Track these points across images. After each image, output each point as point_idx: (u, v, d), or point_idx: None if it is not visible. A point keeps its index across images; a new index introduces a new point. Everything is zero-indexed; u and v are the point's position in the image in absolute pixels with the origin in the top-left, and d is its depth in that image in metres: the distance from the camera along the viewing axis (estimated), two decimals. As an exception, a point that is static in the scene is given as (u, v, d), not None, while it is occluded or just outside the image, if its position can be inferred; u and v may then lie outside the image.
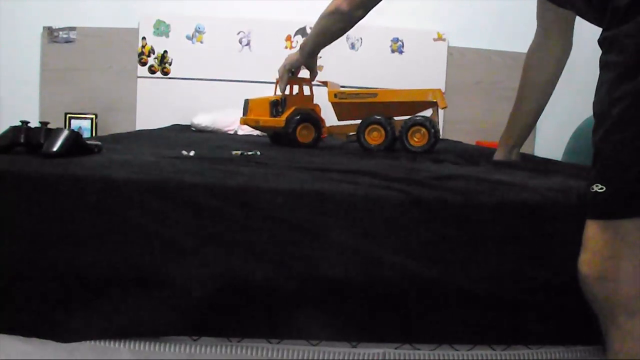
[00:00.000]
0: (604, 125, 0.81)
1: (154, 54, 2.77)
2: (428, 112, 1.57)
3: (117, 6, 2.73)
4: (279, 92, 1.57)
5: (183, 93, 2.76)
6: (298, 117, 1.54)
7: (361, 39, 2.81)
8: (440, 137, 2.61)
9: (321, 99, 1.62)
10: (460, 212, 0.83)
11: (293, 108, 1.55)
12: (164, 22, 2.76)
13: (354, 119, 1.63)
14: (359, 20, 1.43)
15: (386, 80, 2.73)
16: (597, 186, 0.79)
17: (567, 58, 1.31)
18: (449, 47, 2.87)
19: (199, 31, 2.78)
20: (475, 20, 2.85)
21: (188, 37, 2.78)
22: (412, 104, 1.58)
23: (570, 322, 0.85)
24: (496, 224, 0.84)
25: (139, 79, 2.76)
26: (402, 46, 2.85)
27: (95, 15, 2.73)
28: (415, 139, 1.53)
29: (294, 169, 0.98)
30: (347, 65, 2.74)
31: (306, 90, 1.62)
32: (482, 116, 2.85)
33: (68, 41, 2.72)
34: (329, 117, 1.64)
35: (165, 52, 2.77)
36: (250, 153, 1.24)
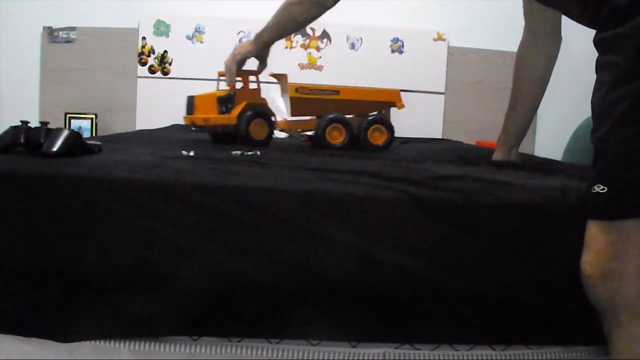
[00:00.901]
0: (604, 125, 0.81)
1: (154, 54, 2.77)
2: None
3: (117, 6, 2.73)
4: (225, 87, 1.49)
5: (183, 93, 2.74)
6: (250, 113, 1.45)
7: (361, 39, 2.81)
8: (440, 138, 2.62)
9: (264, 93, 1.57)
10: (460, 212, 0.83)
11: (244, 103, 1.47)
12: (164, 22, 2.76)
13: (310, 115, 1.61)
14: (328, 10, 1.37)
15: (386, 80, 2.72)
16: (598, 187, 0.79)
17: (557, 53, 1.31)
18: (449, 47, 2.87)
19: (199, 31, 2.78)
20: (475, 20, 2.85)
21: (188, 37, 2.78)
22: (372, 104, 1.60)
23: (570, 322, 0.85)
24: (496, 224, 0.84)
25: (139, 79, 2.76)
26: (402, 46, 2.85)
27: (95, 15, 2.72)
28: (375, 137, 1.54)
29: (294, 169, 0.98)
30: (347, 65, 2.74)
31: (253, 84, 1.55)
32: (482, 116, 2.84)
33: (68, 41, 2.72)
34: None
35: (165, 52, 2.77)
36: (250, 153, 1.24)
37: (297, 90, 1.53)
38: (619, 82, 0.79)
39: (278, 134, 1.79)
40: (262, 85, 1.55)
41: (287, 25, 1.41)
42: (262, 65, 1.52)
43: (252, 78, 1.53)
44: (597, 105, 0.83)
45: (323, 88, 1.58)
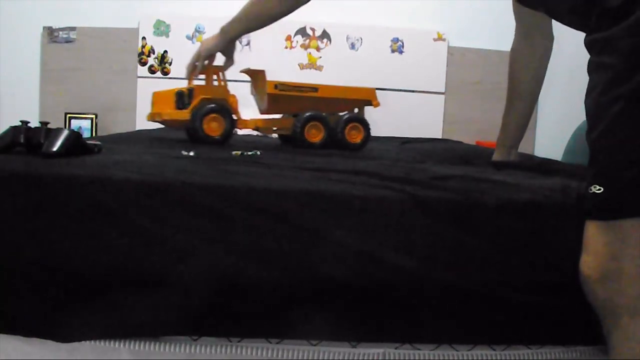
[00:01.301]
0: (599, 126, 0.81)
1: (154, 54, 2.77)
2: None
3: (117, 6, 2.73)
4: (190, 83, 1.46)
5: (183, 93, 2.75)
6: (205, 108, 1.41)
7: (361, 39, 2.81)
8: (440, 138, 2.62)
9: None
10: (460, 212, 0.83)
11: (199, 98, 1.42)
12: (164, 22, 2.76)
13: (287, 113, 1.59)
14: (302, 5, 1.30)
15: (386, 80, 2.73)
16: (594, 187, 0.79)
17: (550, 52, 1.31)
18: (449, 47, 2.87)
19: (199, 31, 2.78)
20: (475, 20, 2.85)
21: (188, 37, 2.78)
22: (348, 101, 1.59)
23: (570, 322, 0.85)
24: (496, 224, 0.84)
25: (139, 79, 2.76)
26: (402, 46, 2.85)
27: (95, 15, 2.73)
28: (353, 136, 1.54)
29: (294, 169, 0.98)
30: (347, 65, 2.74)
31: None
32: (482, 116, 2.85)
33: (68, 41, 2.72)
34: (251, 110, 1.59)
35: (165, 52, 2.77)
36: (250, 153, 1.24)
37: (276, 86, 1.50)
38: (613, 83, 0.79)
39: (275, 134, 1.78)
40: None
41: (257, 19, 1.35)
42: (229, 61, 1.47)
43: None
44: (591, 106, 0.84)
45: (302, 85, 1.54)
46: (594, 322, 0.82)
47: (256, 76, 1.59)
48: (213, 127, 1.43)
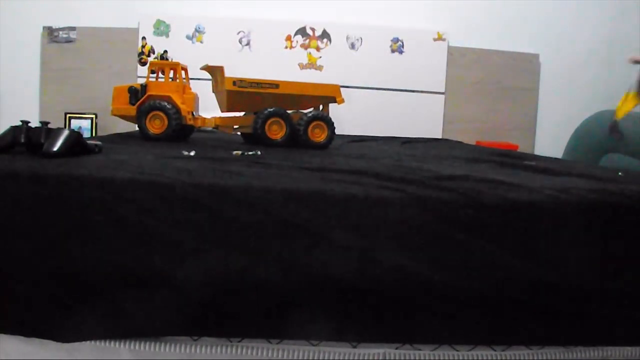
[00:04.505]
0: None
1: (154, 54, 2.77)
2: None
3: (117, 6, 2.73)
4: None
5: (183, 93, 2.75)
6: (145, 106, 1.45)
7: (361, 39, 2.81)
8: (440, 138, 2.61)
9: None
10: (461, 212, 0.83)
11: (146, 95, 1.46)
12: (164, 22, 2.76)
13: (248, 111, 1.57)
14: None
15: (386, 80, 2.73)
16: None
17: None
18: (449, 47, 2.87)
19: (199, 31, 2.78)
20: (475, 20, 2.85)
21: (188, 37, 2.78)
22: (311, 98, 1.57)
23: (570, 322, 0.85)
24: (496, 224, 0.84)
25: (139, 79, 2.76)
26: (402, 46, 2.85)
27: (95, 15, 2.73)
28: (316, 134, 1.53)
29: (294, 169, 0.98)
30: (347, 65, 2.74)
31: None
32: (482, 116, 2.84)
33: (68, 41, 2.72)
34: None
35: (165, 52, 2.77)
36: (250, 153, 1.24)
37: (234, 83, 1.48)
38: None
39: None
40: None
41: None
42: None
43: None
44: None
45: (262, 81, 1.52)
46: (594, 323, 0.82)
47: (216, 73, 1.56)
48: (156, 124, 1.46)
